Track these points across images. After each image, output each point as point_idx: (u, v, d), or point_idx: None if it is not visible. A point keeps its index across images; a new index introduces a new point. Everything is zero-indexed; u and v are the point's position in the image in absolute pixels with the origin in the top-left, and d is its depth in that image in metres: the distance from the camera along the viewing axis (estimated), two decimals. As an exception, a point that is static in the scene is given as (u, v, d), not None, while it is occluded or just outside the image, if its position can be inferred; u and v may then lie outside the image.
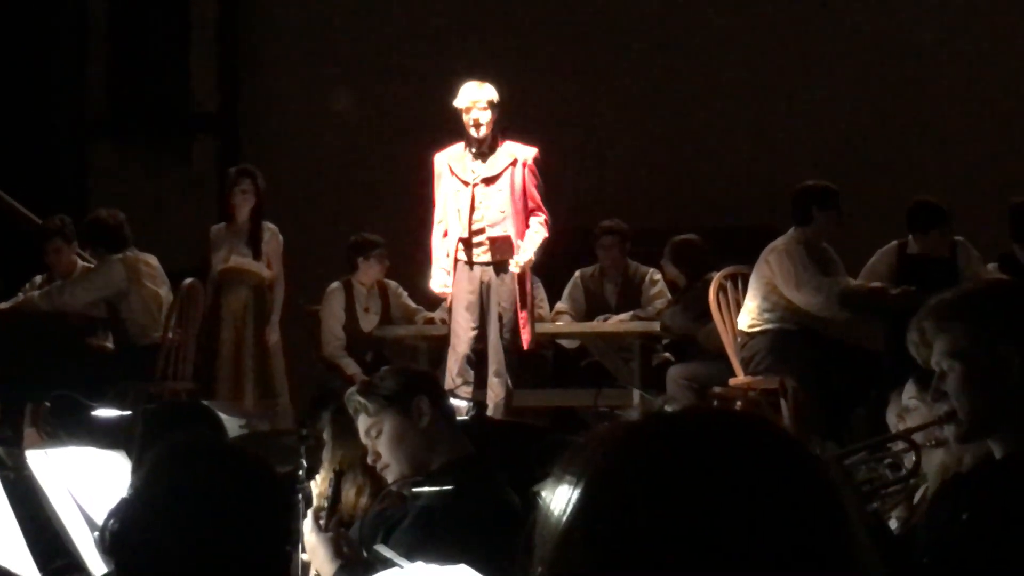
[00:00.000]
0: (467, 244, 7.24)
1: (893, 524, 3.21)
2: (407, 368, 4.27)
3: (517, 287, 7.23)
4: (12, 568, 3.29)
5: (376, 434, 3.76)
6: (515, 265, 7.20)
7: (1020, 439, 2.55)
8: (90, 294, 8.18)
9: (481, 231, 7.23)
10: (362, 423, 3.80)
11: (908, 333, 2.64)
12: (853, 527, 1.14)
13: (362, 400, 3.78)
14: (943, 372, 2.57)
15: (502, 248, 7.22)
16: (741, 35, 10.59)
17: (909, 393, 3.30)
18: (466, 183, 7.23)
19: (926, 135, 10.24)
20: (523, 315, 7.25)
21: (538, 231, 7.25)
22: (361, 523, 3.79)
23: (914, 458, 3.00)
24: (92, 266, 8.33)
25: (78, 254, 8.43)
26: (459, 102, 7.19)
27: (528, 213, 7.25)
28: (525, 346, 7.28)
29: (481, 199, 7.22)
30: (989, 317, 2.56)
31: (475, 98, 7.16)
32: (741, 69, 10.54)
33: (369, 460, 3.81)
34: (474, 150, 7.23)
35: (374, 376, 3.96)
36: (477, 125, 7.15)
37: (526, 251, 7.22)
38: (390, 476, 3.78)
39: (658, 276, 8.72)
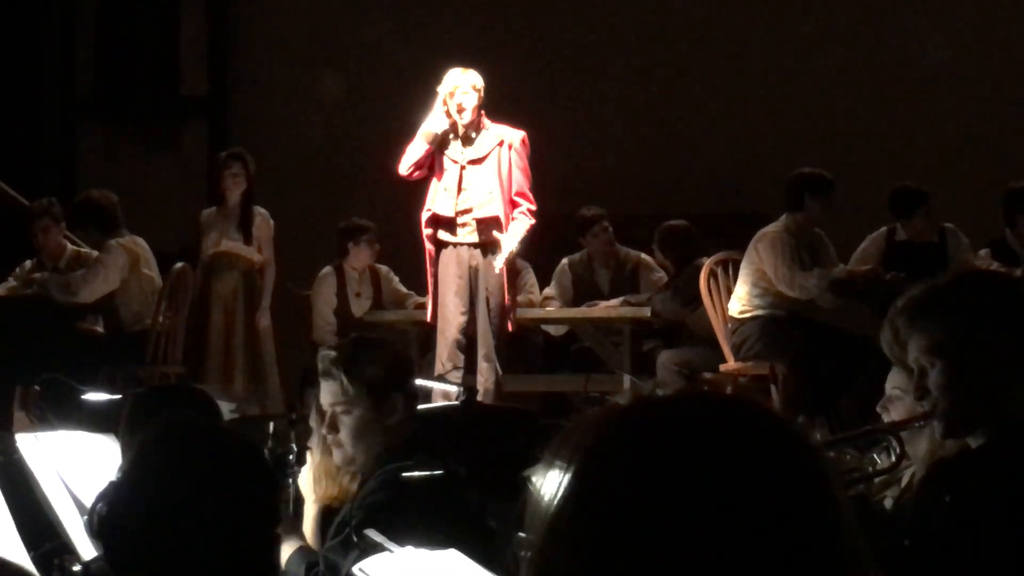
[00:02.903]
0: (452, 224, 7.24)
1: (887, 504, 3.22)
2: (394, 356, 3.88)
3: (504, 270, 7.23)
4: (2, 552, 3.28)
5: (341, 411, 3.65)
6: (500, 262, 7.15)
7: (999, 428, 2.55)
8: (107, 284, 8.03)
9: (468, 211, 7.23)
10: (330, 390, 3.66)
11: (881, 332, 2.63)
12: (843, 510, 1.14)
13: (344, 378, 3.67)
14: (923, 369, 2.57)
15: (489, 229, 7.22)
16: (731, 22, 10.59)
17: (893, 382, 3.28)
18: (455, 162, 7.24)
19: (916, 121, 10.25)
20: (507, 297, 7.26)
21: (521, 221, 7.20)
22: (350, 508, 3.78)
23: (899, 448, 3.00)
24: (95, 254, 8.12)
25: (67, 236, 8.37)
26: (443, 88, 7.19)
27: (514, 196, 7.22)
28: (508, 327, 7.28)
29: (468, 180, 7.22)
30: (964, 309, 2.55)
31: (458, 83, 7.16)
32: (731, 56, 10.54)
33: (324, 428, 3.69)
34: (460, 133, 7.23)
35: (362, 350, 3.74)
36: (461, 110, 7.15)
37: (507, 244, 7.15)
38: (337, 456, 3.69)
39: (651, 260, 8.71)
